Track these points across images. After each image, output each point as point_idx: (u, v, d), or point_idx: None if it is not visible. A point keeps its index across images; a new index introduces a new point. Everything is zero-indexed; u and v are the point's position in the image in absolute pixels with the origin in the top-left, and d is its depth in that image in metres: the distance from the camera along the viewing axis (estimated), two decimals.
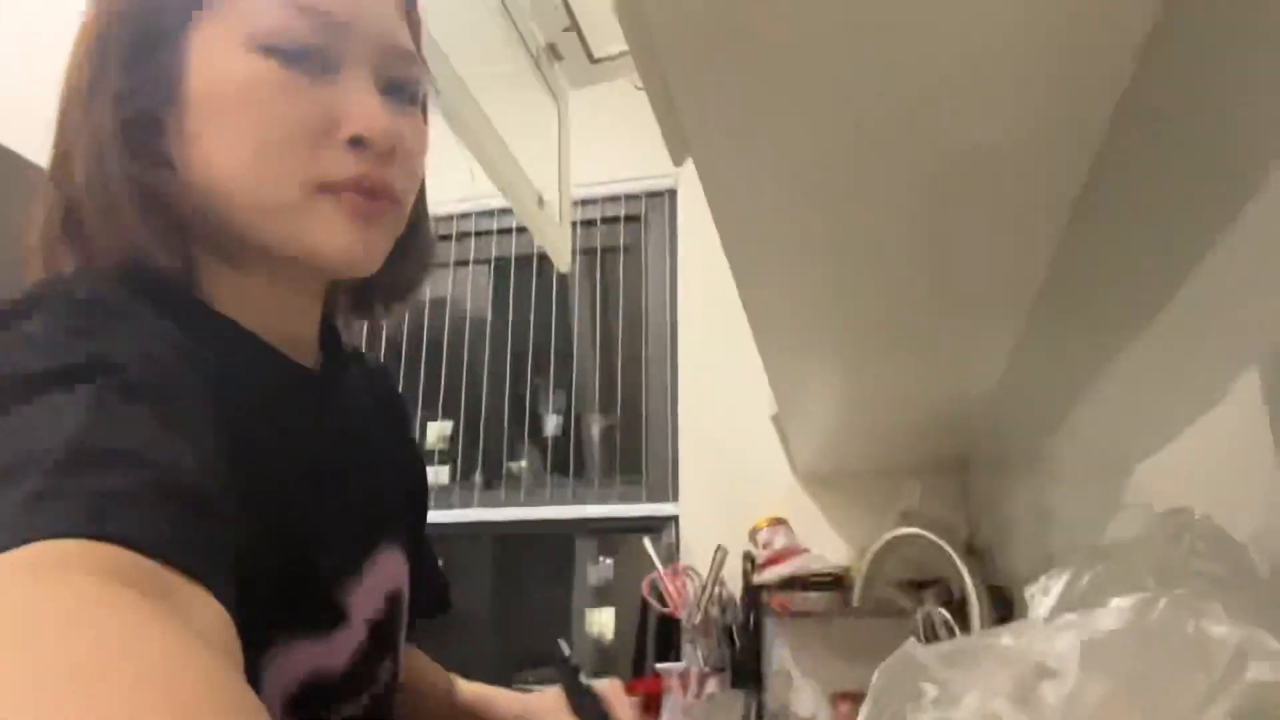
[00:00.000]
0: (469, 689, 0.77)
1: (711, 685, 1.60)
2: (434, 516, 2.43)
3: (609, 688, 0.67)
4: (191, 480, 0.37)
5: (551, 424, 2.29)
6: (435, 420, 2.30)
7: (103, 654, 0.24)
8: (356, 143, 0.53)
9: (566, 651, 0.67)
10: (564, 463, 2.24)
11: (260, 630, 0.51)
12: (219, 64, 0.52)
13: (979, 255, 0.87)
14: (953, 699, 0.43)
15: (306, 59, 0.53)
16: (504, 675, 2.11)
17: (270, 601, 0.51)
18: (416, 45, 0.61)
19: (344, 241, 0.54)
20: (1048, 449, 1.06)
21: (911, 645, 0.47)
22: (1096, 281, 0.81)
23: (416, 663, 0.79)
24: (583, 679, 0.66)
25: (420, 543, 0.75)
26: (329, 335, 0.66)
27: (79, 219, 0.53)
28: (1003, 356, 1.15)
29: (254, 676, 0.51)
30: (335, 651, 0.58)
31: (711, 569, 1.65)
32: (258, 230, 0.53)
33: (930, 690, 0.44)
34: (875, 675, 0.46)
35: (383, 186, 0.55)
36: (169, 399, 0.42)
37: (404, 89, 0.58)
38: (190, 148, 0.53)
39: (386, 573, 0.65)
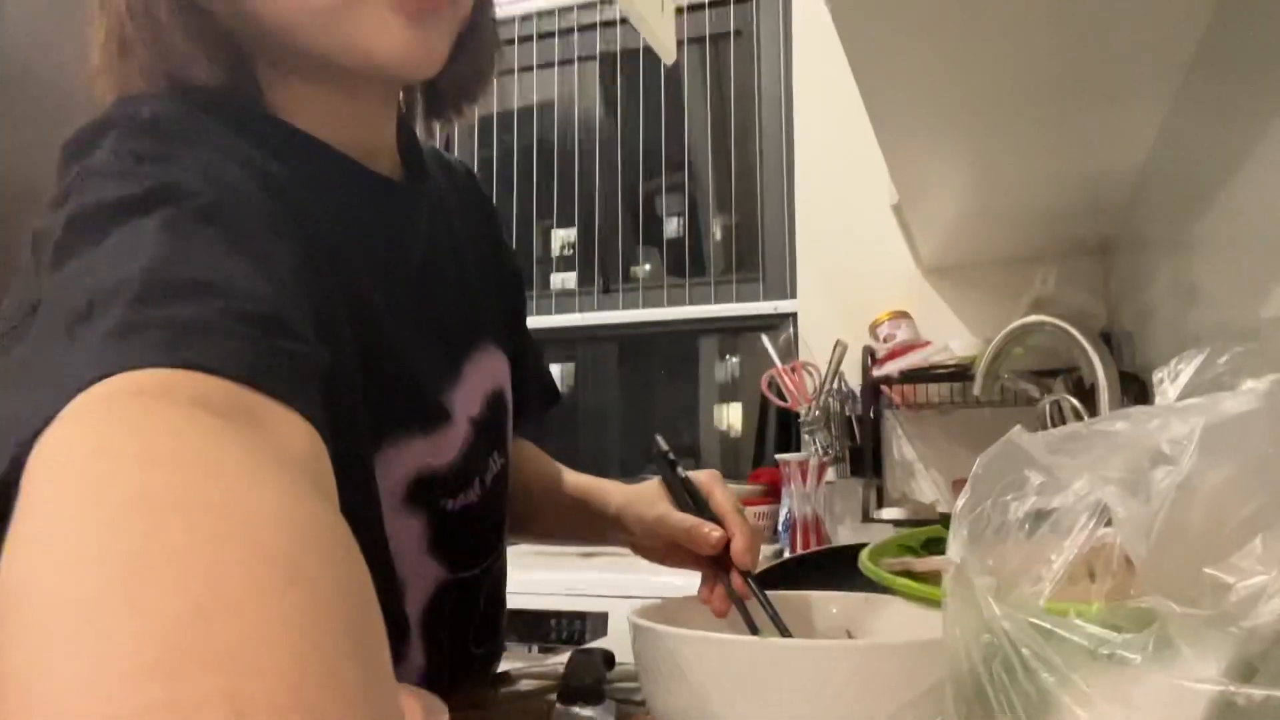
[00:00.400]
0: (574, 478, 0.80)
1: (830, 474, 1.63)
2: (560, 320, 2.49)
3: (707, 477, 0.68)
4: (269, 305, 0.36)
5: (670, 226, 2.27)
6: (556, 228, 2.30)
7: (176, 483, 0.23)
8: None
9: (663, 446, 0.68)
10: (683, 264, 2.23)
11: (369, 434, 0.53)
12: None
13: (1127, 19, 0.77)
14: (1058, 486, 0.40)
15: None
16: (632, 470, 2.21)
17: (374, 408, 0.52)
18: None
19: (399, 42, 0.51)
20: (1198, 225, 0.97)
21: (1017, 432, 0.44)
22: (1257, 46, 0.71)
23: (527, 454, 0.82)
24: (680, 470, 0.67)
25: (521, 342, 0.76)
26: (408, 143, 0.65)
27: (125, 37, 0.51)
28: (1151, 129, 1.04)
29: (369, 475, 0.53)
30: (442, 448, 0.60)
31: (831, 362, 1.64)
32: (309, 36, 0.51)
33: (1035, 478, 0.42)
34: (976, 463, 0.44)
35: None
36: (243, 222, 0.42)
37: None
38: None
39: (486, 373, 0.67)
